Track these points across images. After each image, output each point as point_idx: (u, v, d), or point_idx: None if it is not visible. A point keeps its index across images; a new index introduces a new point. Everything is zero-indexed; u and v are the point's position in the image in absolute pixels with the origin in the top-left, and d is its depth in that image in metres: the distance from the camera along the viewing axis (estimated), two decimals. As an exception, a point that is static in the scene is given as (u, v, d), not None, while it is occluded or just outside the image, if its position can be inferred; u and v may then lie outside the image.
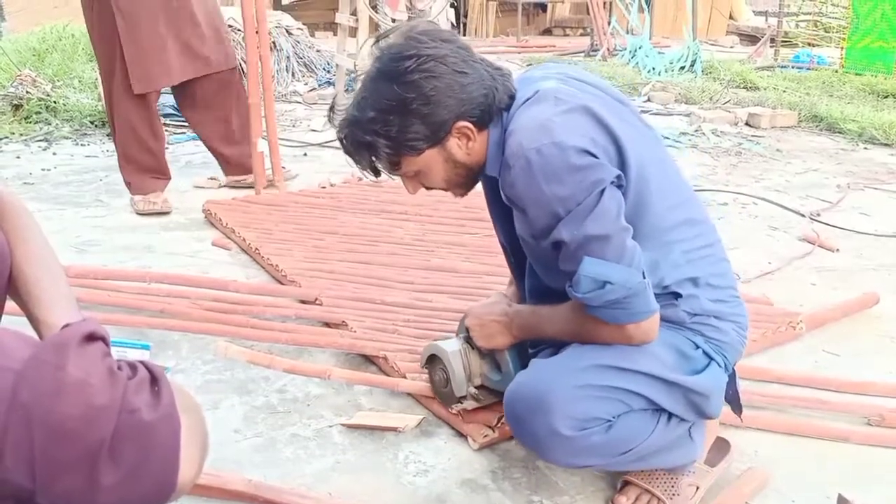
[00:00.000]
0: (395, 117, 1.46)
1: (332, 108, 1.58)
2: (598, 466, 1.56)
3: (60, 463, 0.79)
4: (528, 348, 1.70)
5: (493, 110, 1.50)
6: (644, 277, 1.41)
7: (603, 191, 1.38)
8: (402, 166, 1.53)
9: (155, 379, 0.86)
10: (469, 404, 1.78)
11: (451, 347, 1.74)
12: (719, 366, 1.51)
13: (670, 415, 1.48)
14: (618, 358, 1.46)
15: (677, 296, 1.50)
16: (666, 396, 1.46)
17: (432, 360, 1.80)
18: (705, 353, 1.51)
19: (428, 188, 1.60)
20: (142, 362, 0.87)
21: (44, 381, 0.79)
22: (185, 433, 0.85)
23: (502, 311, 1.68)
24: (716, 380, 1.50)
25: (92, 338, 0.84)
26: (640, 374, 1.45)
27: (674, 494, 1.56)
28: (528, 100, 1.50)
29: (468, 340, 1.74)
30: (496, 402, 1.73)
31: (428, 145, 1.50)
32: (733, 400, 1.61)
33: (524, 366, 1.61)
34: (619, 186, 1.42)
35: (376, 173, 1.58)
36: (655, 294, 1.46)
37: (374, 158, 1.53)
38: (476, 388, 1.76)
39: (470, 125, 1.49)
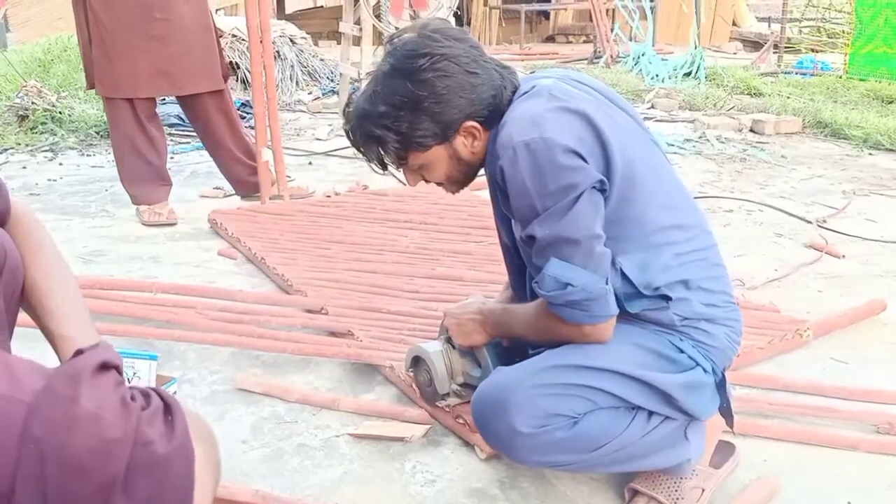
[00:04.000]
0: (407, 113, 1.51)
1: (348, 104, 1.62)
2: (578, 466, 1.51)
3: (73, 498, 0.77)
4: (504, 345, 1.77)
5: (500, 110, 1.54)
6: (607, 283, 1.45)
7: (581, 195, 1.42)
8: (409, 160, 1.58)
9: (169, 408, 0.84)
10: (452, 401, 1.84)
11: (433, 348, 1.81)
12: (705, 371, 1.50)
13: (650, 413, 1.48)
14: (581, 357, 1.48)
15: (667, 298, 1.49)
16: (636, 393, 1.46)
17: (416, 362, 1.86)
18: (690, 357, 1.50)
19: (427, 181, 1.66)
20: (155, 390, 0.86)
21: (56, 415, 0.77)
22: (199, 464, 0.84)
23: (477, 309, 1.75)
24: (693, 382, 1.49)
25: (105, 367, 0.83)
26: (604, 371, 1.46)
27: (678, 498, 1.56)
28: (524, 94, 1.55)
29: (449, 341, 1.81)
30: None
31: (436, 142, 1.54)
32: (725, 411, 1.59)
33: (503, 362, 1.69)
34: (602, 191, 1.46)
35: (383, 166, 1.63)
36: (646, 296, 1.49)
37: (381, 151, 1.58)
38: (459, 385, 1.82)
39: (477, 125, 1.54)
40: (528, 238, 1.48)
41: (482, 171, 1.64)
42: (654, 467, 1.55)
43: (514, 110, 1.52)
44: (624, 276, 1.49)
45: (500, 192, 1.52)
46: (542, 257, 1.47)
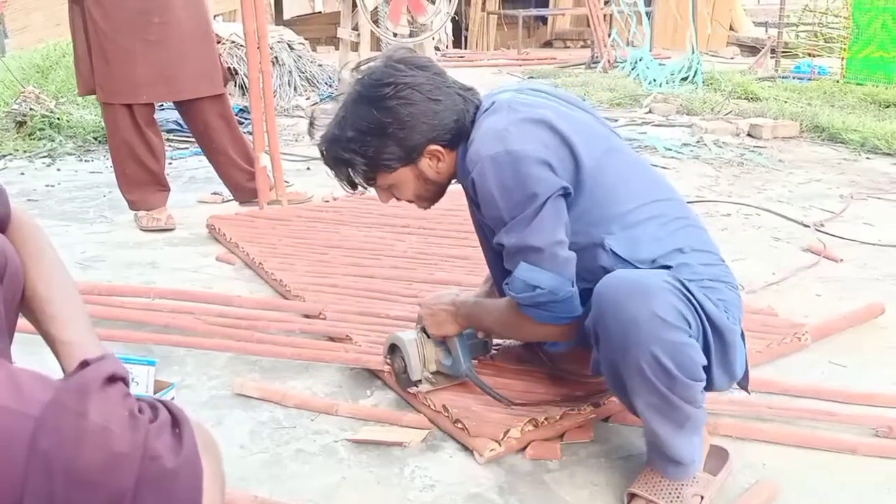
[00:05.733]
0: (373, 139, 1.64)
1: (311, 124, 1.74)
2: (665, 389, 1.45)
3: None
4: (479, 337, 1.94)
5: (463, 133, 1.67)
6: (572, 286, 1.58)
7: (544, 203, 1.54)
8: (377, 181, 1.72)
9: (176, 420, 0.84)
10: (424, 387, 1.94)
11: (408, 337, 1.92)
12: (728, 318, 1.56)
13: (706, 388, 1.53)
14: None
15: (667, 267, 1.55)
16: (715, 337, 1.51)
17: (393, 350, 1.96)
18: (714, 304, 1.54)
19: (399, 199, 1.78)
20: (162, 402, 0.85)
21: (65, 429, 0.77)
22: (207, 477, 0.83)
23: (450, 301, 1.88)
24: (736, 335, 1.56)
25: (113, 379, 0.82)
26: (706, 311, 1.49)
27: (679, 504, 1.56)
28: (486, 111, 1.68)
29: (424, 331, 1.92)
30: (451, 386, 1.96)
31: (401, 164, 1.68)
32: (743, 374, 1.65)
33: (474, 352, 1.92)
34: (567, 195, 1.58)
35: (353, 186, 1.76)
36: (647, 269, 1.56)
37: (351, 173, 1.71)
38: (431, 373, 1.93)
39: (441, 148, 1.67)
40: (498, 245, 1.62)
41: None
42: (676, 451, 1.53)
43: (479, 127, 1.64)
44: (616, 255, 1.58)
45: (473, 203, 1.66)
46: (511, 262, 1.61)
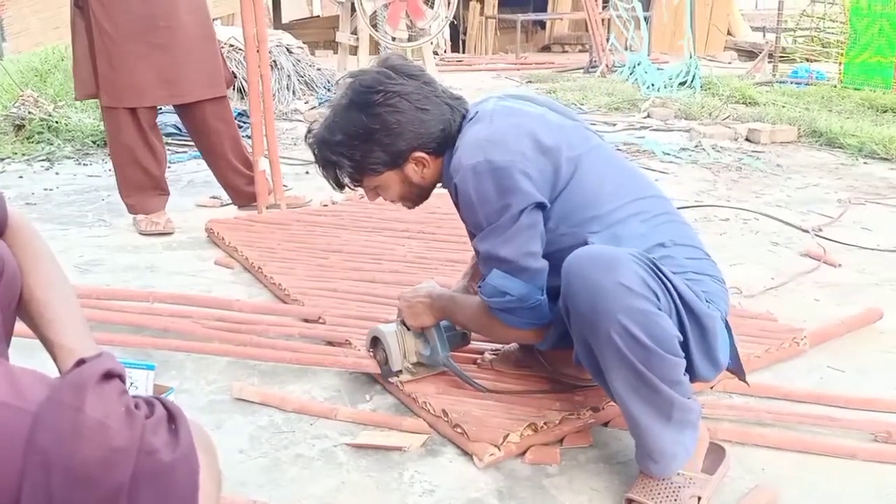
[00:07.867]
0: (360, 143, 1.70)
1: (309, 131, 1.80)
2: (636, 362, 1.46)
3: None
4: (455, 329, 1.99)
5: (449, 141, 1.73)
6: (542, 294, 1.65)
7: (520, 214, 1.61)
8: (363, 182, 1.79)
9: (172, 417, 0.84)
10: (405, 377, 2.01)
11: (388, 329, 1.99)
12: (717, 310, 1.60)
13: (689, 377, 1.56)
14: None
15: None
16: (691, 320, 1.53)
17: (375, 342, 2.03)
18: (696, 295, 1.57)
19: (385, 199, 1.86)
20: (158, 399, 0.86)
21: (61, 424, 0.77)
22: (203, 473, 0.84)
23: (426, 293, 1.95)
24: (717, 321, 1.58)
25: (109, 375, 0.83)
26: (678, 291, 1.52)
27: (677, 508, 1.56)
28: (470, 120, 1.75)
29: (404, 323, 1.99)
30: (432, 375, 2.03)
31: (387, 169, 1.75)
32: (736, 366, 1.70)
33: (451, 342, 1.97)
34: (542, 207, 1.64)
35: (340, 186, 1.82)
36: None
37: (338, 173, 1.78)
38: (412, 363, 1.99)
39: (426, 155, 1.73)
40: (474, 250, 1.71)
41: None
42: (661, 444, 1.54)
43: (463, 136, 1.71)
44: None
45: (457, 207, 1.74)
46: (485, 267, 1.69)
